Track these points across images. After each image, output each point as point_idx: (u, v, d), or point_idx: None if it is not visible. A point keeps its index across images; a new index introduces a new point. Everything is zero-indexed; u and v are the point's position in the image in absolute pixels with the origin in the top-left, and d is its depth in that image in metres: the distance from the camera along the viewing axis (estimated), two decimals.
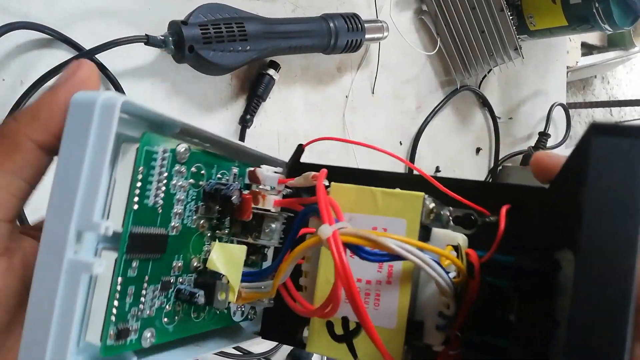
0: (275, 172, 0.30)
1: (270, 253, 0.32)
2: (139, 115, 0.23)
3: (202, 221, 0.27)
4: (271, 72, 0.55)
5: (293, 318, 0.27)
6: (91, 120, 0.20)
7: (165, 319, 0.25)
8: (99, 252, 0.22)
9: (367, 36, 0.59)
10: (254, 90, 0.55)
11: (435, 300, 0.24)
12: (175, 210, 0.25)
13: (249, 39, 0.47)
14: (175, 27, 0.44)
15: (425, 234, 0.24)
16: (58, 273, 0.20)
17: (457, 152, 0.82)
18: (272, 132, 0.58)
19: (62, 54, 0.43)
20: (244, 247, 0.28)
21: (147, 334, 0.24)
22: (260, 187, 0.30)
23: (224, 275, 0.26)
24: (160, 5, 0.47)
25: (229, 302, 0.26)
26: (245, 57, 0.48)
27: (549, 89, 0.99)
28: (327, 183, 0.27)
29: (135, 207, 0.22)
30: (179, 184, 0.25)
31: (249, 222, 0.29)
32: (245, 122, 0.55)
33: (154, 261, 0.24)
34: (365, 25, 0.58)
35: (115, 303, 0.22)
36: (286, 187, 0.30)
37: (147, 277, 0.24)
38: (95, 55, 0.43)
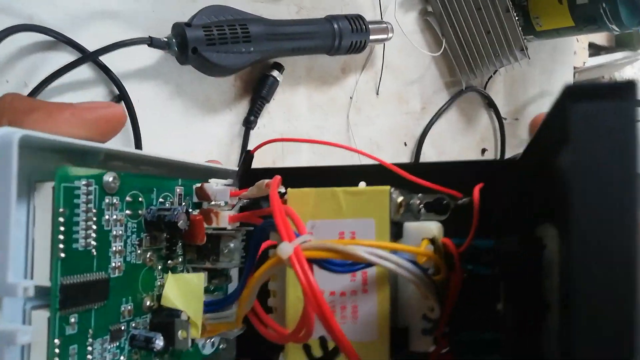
0: (226, 185, 0.27)
1: (234, 273, 0.29)
2: (50, 148, 0.20)
3: (149, 254, 0.24)
4: (275, 73, 0.54)
5: (268, 341, 0.25)
6: None
7: None
8: (27, 315, 0.19)
9: (371, 37, 0.59)
10: (258, 91, 0.54)
11: (419, 302, 0.21)
12: (114, 248, 0.22)
13: (253, 40, 0.47)
14: (178, 29, 0.44)
15: (397, 231, 0.21)
16: None
17: (462, 153, 0.81)
18: (275, 133, 0.58)
19: (65, 56, 0.43)
20: (202, 275, 0.25)
21: None
22: (212, 204, 0.27)
23: (183, 311, 0.24)
24: (163, 7, 0.47)
25: (193, 340, 0.24)
26: (249, 58, 0.48)
27: (555, 89, 0.97)
28: (283, 190, 0.24)
29: (62, 255, 0.19)
30: (114, 218, 0.22)
31: (205, 246, 0.26)
32: (248, 124, 0.54)
33: (96, 311, 0.21)
34: (369, 26, 0.58)
35: None
36: (241, 199, 0.27)
37: (91, 331, 0.21)
38: (99, 57, 0.43)
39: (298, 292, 0.22)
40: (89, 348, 0.21)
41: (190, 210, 0.26)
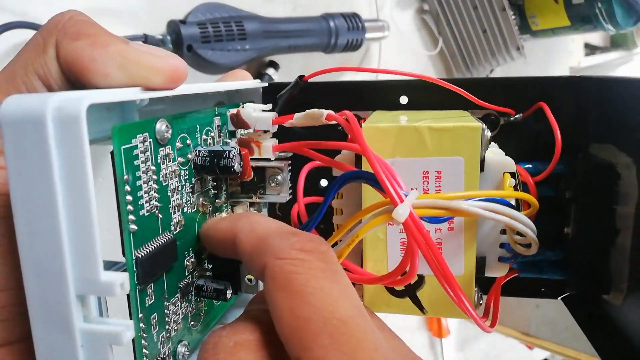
0: (264, 110, 0.24)
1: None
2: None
3: (201, 199, 0.21)
4: (270, 71, 0.54)
5: None
6: (48, 146, 0.13)
7: (192, 322, 0.21)
8: (103, 298, 0.17)
9: (367, 35, 0.58)
10: None
11: (495, 233, 0.21)
12: (173, 203, 0.19)
13: (248, 38, 0.47)
14: (173, 26, 0.44)
15: (481, 167, 0.20)
16: (74, 354, 0.15)
17: None
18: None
19: None
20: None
21: (182, 349, 0.20)
22: (250, 132, 0.25)
23: None
24: (158, 4, 0.46)
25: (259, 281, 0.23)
26: (244, 56, 0.48)
27: None
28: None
29: (134, 227, 0.17)
30: (170, 170, 0.19)
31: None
32: None
33: (167, 273, 0.19)
34: (365, 24, 0.57)
35: (144, 342, 0.18)
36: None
37: (165, 295, 0.19)
38: None
39: (379, 231, 0.22)
40: (166, 311, 0.19)
41: (229, 141, 0.24)
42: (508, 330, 0.74)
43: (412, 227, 0.16)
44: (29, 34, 0.38)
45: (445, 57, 0.75)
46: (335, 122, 0.22)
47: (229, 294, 0.21)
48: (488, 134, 0.20)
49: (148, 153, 0.18)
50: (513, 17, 0.65)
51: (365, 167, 0.21)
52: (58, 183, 0.14)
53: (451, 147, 0.20)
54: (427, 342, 0.76)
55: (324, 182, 0.29)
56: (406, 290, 0.22)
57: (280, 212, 0.27)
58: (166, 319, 0.19)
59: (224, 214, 0.23)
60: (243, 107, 0.24)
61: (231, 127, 0.24)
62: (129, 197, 0.17)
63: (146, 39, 0.42)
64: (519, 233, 0.20)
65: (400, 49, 0.69)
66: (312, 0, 0.57)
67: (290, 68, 0.57)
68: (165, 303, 0.19)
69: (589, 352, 0.70)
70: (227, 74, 0.25)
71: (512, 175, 0.21)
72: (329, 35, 0.53)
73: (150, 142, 0.18)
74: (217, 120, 0.23)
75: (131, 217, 0.17)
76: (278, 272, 0.16)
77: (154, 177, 0.18)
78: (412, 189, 0.17)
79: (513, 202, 0.21)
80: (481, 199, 0.18)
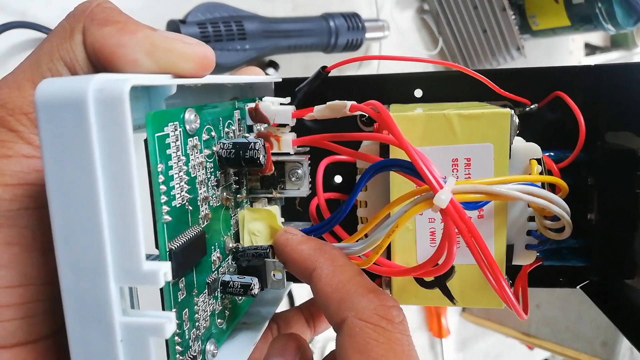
0: (283, 104, 0.24)
1: None
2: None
3: (225, 193, 0.21)
4: (270, 71, 0.54)
5: None
6: (89, 130, 0.13)
7: (219, 320, 0.21)
8: (134, 289, 0.16)
9: (367, 35, 0.58)
10: None
11: (522, 220, 0.21)
12: (201, 196, 0.19)
13: (248, 38, 0.47)
14: (173, 26, 0.44)
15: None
16: (113, 349, 0.14)
17: None
18: None
19: None
20: (277, 207, 0.23)
21: (210, 347, 0.20)
22: (265, 126, 0.24)
23: (268, 250, 0.22)
24: (158, 4, 0.46)
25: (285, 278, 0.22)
26: (244, 56, 0.47)
27: None
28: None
29: (167, 218, 0.16)
30: (197, 162, 0.19)
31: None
32: None
33: (196, 267, 0.19)
34: (365, 24, 0.58)
35: (177, 339, 0.17)
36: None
37: (195, 290, 0.19)
38: None
39: (407, 222, 0.21)
40: (196, 307, 0.19)
41: (248, 135, 0.23)
42: (508, 330, 0.74)
43: (454, 212, 0.16)
44: (28, 33, 0.38)
45: (445, 57, 0.75)
46: (354, 114, 0.22)
47: (256, 290, 0.21)
48: (516, 120, 0.20)
49: (178, 142, 0.17)
50: (513, 17, 0.65)
51: (394, 157, 0.21)
52: (99, 168, 0.13)
53: (480, 134, 0.20)
54: (427, 342, 0.75)
55: (338, 179, 0.29)
56: (436, 281, 0.21)
57: (300, 207, 0.27)
58: (196, 315, 0.19)
59: (258, 206, 0.23)
60: (261, 100, 0.24)
61: (249, 122, 0.24)
62: (162, 187, 0.16)
63: None
64: (548, 218, 0.20)
65: (400, 49, 0.70)
66: (312, 0, 0.57)
67: (290, 68, 0.57)
68: (195, 299, 0.19)
69: (589, 352, 0.70)
70: (241, 70, 0.25)
71: (539, 161, 0.21)
72: (329, 35, 0.54)
73: (180, 131, 0.17)
74: (236, 114, 0.22)
75: (165, 207, 0.16)
76: (359, 334, 0.17)
77: (184, 167, 0.17)
78: (443, 177, 0.17)
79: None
80: (517, 184, 0.18)
